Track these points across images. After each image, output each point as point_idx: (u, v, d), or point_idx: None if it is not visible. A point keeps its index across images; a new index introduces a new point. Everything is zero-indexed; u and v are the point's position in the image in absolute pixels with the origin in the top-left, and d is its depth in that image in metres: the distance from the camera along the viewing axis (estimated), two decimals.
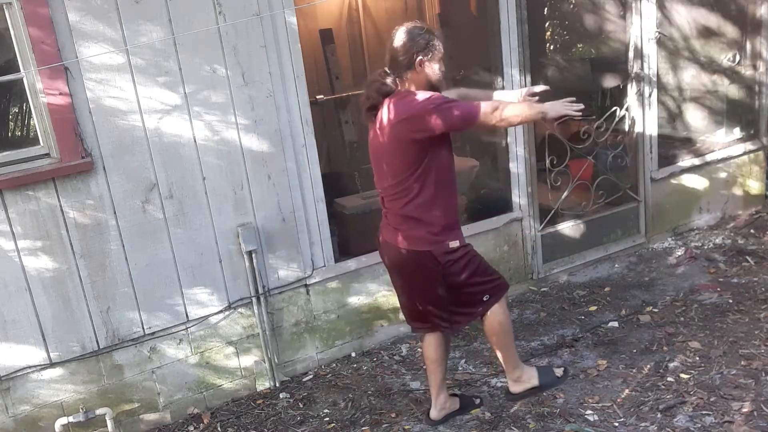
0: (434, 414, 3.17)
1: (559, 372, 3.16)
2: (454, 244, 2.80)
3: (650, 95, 4.65)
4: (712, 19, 5.00)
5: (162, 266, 3.38)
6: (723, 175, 5.13)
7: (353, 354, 3.98)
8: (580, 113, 2.78)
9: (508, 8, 4.06)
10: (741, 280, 4.23)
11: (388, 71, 2.73)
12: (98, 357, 3.34)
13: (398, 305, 3.92)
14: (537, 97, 2.95)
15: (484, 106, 2.65)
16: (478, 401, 3.29)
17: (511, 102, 2.90)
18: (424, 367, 3.22)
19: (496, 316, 2.92)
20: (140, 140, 3.21)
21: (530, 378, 3.07)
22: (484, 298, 2.89)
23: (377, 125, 2.76)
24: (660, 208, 4.91)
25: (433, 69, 2.71)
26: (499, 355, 3.08)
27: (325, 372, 3.84)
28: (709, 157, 5.03)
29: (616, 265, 4.69)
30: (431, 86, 2.73)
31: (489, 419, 3.19)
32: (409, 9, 5.98)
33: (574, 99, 2.81)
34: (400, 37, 2.71)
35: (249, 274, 3.54)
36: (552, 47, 7.43)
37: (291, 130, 3.55)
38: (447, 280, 2.83)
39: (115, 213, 3.23)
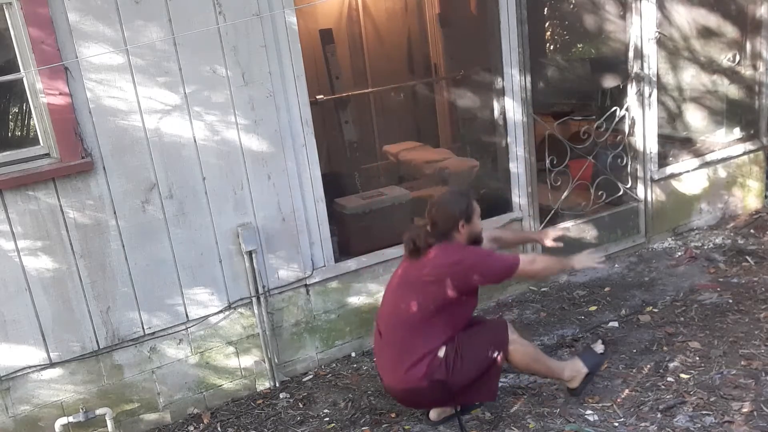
0: (434, 415, 3.20)
1: (599, 348, 3.31)
2: (442, 352, 2.91)
3: (650, 95, 4.65)
4: (712, 19, 5.00)
5: (162, 266, 3.38)
6: (723, 175, 5.13)
7: (353, 354, 3.98)
8: (603, 264, 3.18)
9: (508, 8, 4.06)
10: (741, 280, 4.23)
11: (431, 233, 2.95)
12: (98, 357, 3.34)
13: None
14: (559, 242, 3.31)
15: (523, 260, 2.95)
16: (477, 402, 3.29)
17: (543, 256, 3.30)
18: None
19: (516, 355, 3.03)
20: (140, 140, 3.21)
21: (579, 370, 3.17)
22: (495, 355, 2.99)
23: (421, 264, 2.92)
24: (660, 208, 4.91)
25: (473, 228, 2.99)
26: (545, 376, 3.21)
27: (325, 372, 3.84)
28: (709, 157, 5.04)
29: (616, 265, 4.69)
30: (471, 241, 3.01)
31: (489, 419, 3.19)
32: (409, 9, 5.98)
33: (594, 250, 3.20)
34: (441, 204, 2.97)
35: (249, 274, 3.54)
36: (552, 47, 7.44)
37: (291, 130, 3.55)
38: (454, 381, 2.92)
39: (115, 213, 3.23)
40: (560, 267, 3.23)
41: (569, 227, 3.39)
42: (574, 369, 3.16)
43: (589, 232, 4.70)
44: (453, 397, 2.99)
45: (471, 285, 2.92)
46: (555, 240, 3.32)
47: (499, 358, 2.99)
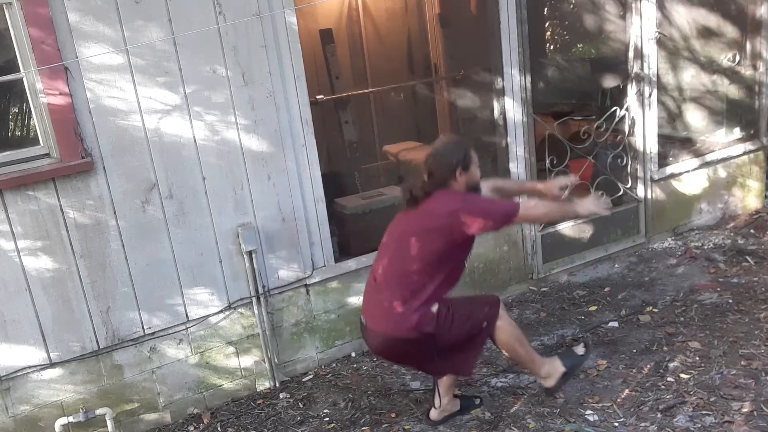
0: (434, 415, 3.20)
1: (579, 350, 3.24)
2: (435, 308, 2.89)
3: (650, 95, 4.65)
4: (712, 19, 5.00)
5: (162, 266, 3.38)
6: (723, 175, 5.13)
7: (353, 354, 3.98)
8: (610, 210, 3.01)
9: (508, 8, 4.06)
10: (741, 280, 4.23)
11: (428, 182, 2.91)
12: (98, 357, 3.34)
13: None
14: (566, 190, 3.17)
15: (523, 205, 2.89)
16: (478, 401, 3.30)
17: (545, 201, 3.13)
18: None
19: (502, 332, 2.99)
20: (140, 140, 3.21)
21: (557, 368, 3.13)
22: (483, 326, 2.97)
23: (418, 213, 2.90)
24: (660, 208, 4.91)
25: (471, 177, 2.93)
26: (522, 364, 3.17)
27: (325, 372, 3.84)
28: (709, 157, 5.03)
29: (616, 265, 4.69)
30: (469, 188, 2.95)
31: (489, 419, 3.19)
32: (409, 9, 5.98)
33: (602, 193, 2.97)
34: (438, 153, 2.93)
35: (249, 274, 3.54)
36: (552, 47, 7.44)
37: (291, 130, 3.55)
38: (445, 340, 2.90)
39: (115, 213, 3.23)
40: (563, 212, 3.11)
41: (576, 178, 3.21)
42: (552, 367, 3.13)
43: (589, 232, 4.70)
44: (434, 357, 2.94)
45: (470, 231, 2.84)
46: (561, 189, 3.21)
47: (486, 328, 2.96)
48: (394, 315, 2.88)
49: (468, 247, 2.98)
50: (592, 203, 3.00)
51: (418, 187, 2.90)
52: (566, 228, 4.61)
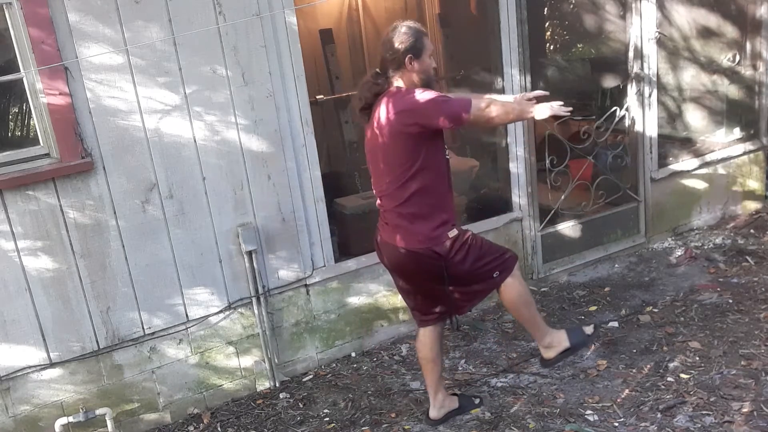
0: (434, 413, 3.19)
1: (589, 329, 3.17)
2: (453, 233, 2.82)
3: (650, 95, 4.65)
4: (712, 19, 5.00)
5: (162, 266, 3.38)
6: (723, 175, 5.13)
7: (353, 354, 3.98)
8: (569, 114, 2.81)
9: (508, 8, 4.06)
10: (741, 280, 4.23)
11: (380, 72, 2.80)
12: (98, 357, 3.34)
13: (398, 305, 3.93)
14: (534, 101, 2.94)
15: (476, 102, 2.70)
16: (477, 401, 3.29)
17: (502, 100, 2.94)
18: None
19: (511, 288, 2.93)
20: (140, 140, 3.21)
21: (561, 341, 3.06)
22: (494, 275, 2.90)
23: (374, 124, 2.80)
24: (660, 208, 4.91)
25: (423, 66, 2.77)
26: (525, 326, 3.08)
27: (325, 372, 3.84)
28: (709, 157, 5.03)
29: (616, 265, 4.69)
30: (424, 83, 2.79)
31: (489, 419, 3.19)
32: (409, 9, 5.98)
33: (562, 103, 2.82)
34: (388, 39, 2.77)
35: (249, 274, 3.54)
36: (552, 47, 7.44)
37: (291, 130, 3.55)
38: (452, 270, 2.84)
39: (115, 213, 3.23)
40: (517, 114, 2.81)
41: (546, 91, 2.98)
42: (557, 338, 3.05)
43: (589, 232, 4.70)
44: (440, 288, 2.88)
45: (427, 128, 2.69)
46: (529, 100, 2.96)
47: (496, 278, 2.90)
48: (400, 229, 2.81)
49: (437, 142, 2.79)
50: (548, 107, 2.77)
51: (368, 88, 2.78)
52: (566, 228, 4.61)
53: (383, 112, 2.74)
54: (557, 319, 4.07)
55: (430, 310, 3.06)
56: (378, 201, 2.95)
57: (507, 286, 2.93)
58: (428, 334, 3.08)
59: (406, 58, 2.73)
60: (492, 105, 2.72)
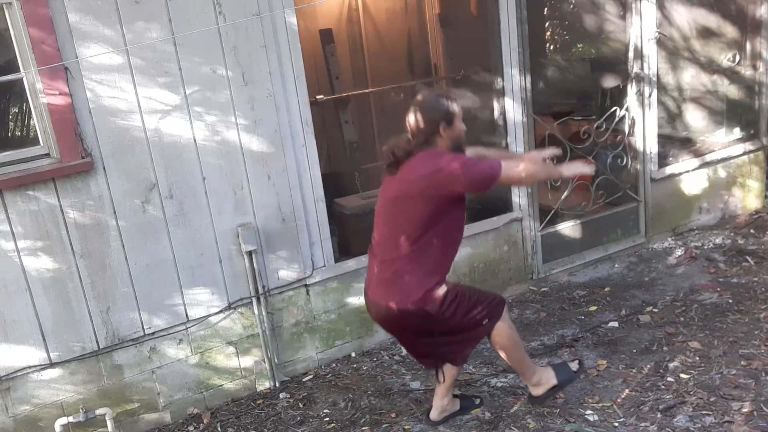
0: (434, 415, 3.19)
1: (574, 366, 3.20)
2: (442, 290, 2.82)
3: (650, 95, 4.65)
4: (712, 19, 5.00)
5: (162, 266, 3.38)
6: (723, 175, 5.13)
7: (353, 354, 3.98)
8: (594, 173, 2.96)
9: (508, 8, 4.06)
10: (741, 280, 4.23)
11: (412, 140, 2.81)
12: (98, 357, 3.34)
13: None
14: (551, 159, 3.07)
15: (506, 165, 2.73)
16: (478, 401, 3.30)
17: (528, 162, 2.96)
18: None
19: (501, 332, 2.96)
20: (140, 140, 3.21)
21: (549, 379, 3.10)
22: (484, 323, 2.93)
23: (400, 177, 2.80)
24: (660, 208, 4.91)
25: (455, 132, 2.81)
26: (514, 366, 3.13)
27: (325, 372, 3.84)
28: (709, 157, 5.04)
29: (616, 265, 4.69)
30: (455, 146, 2.84)
31: (489, 419, 3.19)
32: (409, 9, 5.97)
33: (587, 160, 2.89)
34: (420, 108, 2.79)
35: (249, 274, 3.54)
36: (552, 47, 7.44)
37: (291, 130, 3.55)
38: (442, 326, 2.86)
39: (115, 213, 3.23)
40: (546, 173, 2.94)
41: (558, 150, 3.09)
42: (545, 377, 3.09)
43: (589, 232, 4.70)
44: (430, 340, 2.90)
45: (454, 191, 2.71)
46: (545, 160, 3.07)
47: (487, 325, 2.92)
48: (392, 286, 2.81)
49: (459, 208, 2.84)
50: (576, 165, 2.91)
51: (400, 148, 2.80)
52: (566, 228, 4.61)
53: (413, 170, 2.75)
54: (557, 319, 4.07)
55: (422, 360, 3.12)
56: (373, 252, 2.94)
57: (497, 330, 2.94)
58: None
59: (440, 127, 2.76)
60: (520, 168, 2.76)
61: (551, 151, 3.06)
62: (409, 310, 2.79)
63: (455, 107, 2.81)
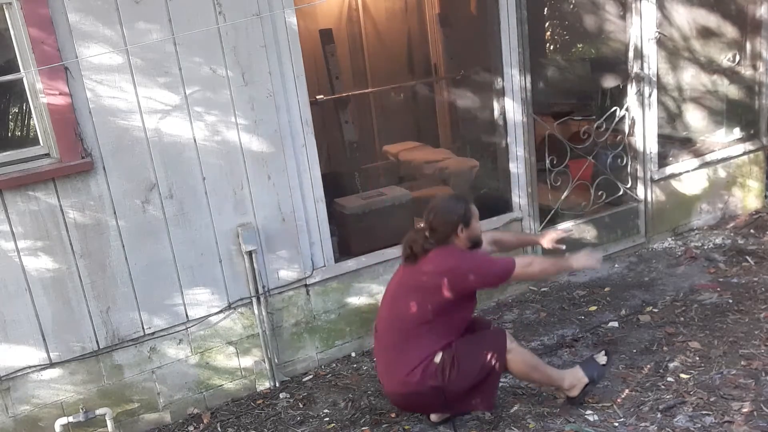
0: (435, 417, 3.20)
1: (602, 359, 3.28)
2: (438, 359, 2.89)
3: (650, 95, 4.65)
4: (712, 19, 5.00)
5: (162, 266, 3.38)
6: (723, 175, 5.13)
7: (353, 354, 3.98)
8: (600, 263, 3.12)
9: (508, 8, 4.06)
10: (741, 280, 4.23)
11: (429, 238, 2.92)
12: (98, 357, 3.34)
13: None
14: (563, 246, 3.28)
15: (519, 263, 2.90)
16: (474, 410, 3.26)
17: (540, 258, 3.22)
18: None
19: (515, 361, 2.99)
20: (140, 140, 3.21)
21: (580, 379, 3.13)
22: (493, 363, 2.95)
23: (418, 269, 2.91)
24: (660, 208, 4.91)
25: (473, 232, 2.96)
26: (543, 385, 3.20)
27: (325, 372, 3.84)
28: (709, 158, 5.04)
29: (616, 265, 4.69)
30: (472, 244, 2.98)
31: (489, 419, 3.18)
32: (409, 9, 5.98)
33: (592, 250, 3.13)
34: (439, 211, 2.93)
35: (249, 274, 3.54)
36: (552, 47, 7.44)
37: (291, 130, 3.55)
38: (451, 388, 2.90)
39: (115, 213, 3.23)
40: (557, 268, 3.21)
41: (571, 228, 3.32)
42: (575, 378, 3.12)
43: (589, 232, 4.70)
44: (449, 405, 2.98)
45: (468, 289, 2.91)
46: (556, 243, 3.31)
47: (497, 366, 2.95)
48: (398, 372, 2.91)
49: (469, 305, 3.00)
50: (584, 258, 3.05)
51: (419, 244, 2.91)
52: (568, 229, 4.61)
53: (434, 263, 2.87)
54: (557, 319, 4.07)
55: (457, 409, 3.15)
56: (378, 333, 3.04)
57: (510, 362, 2.99)
58: None
59: (458, 228, 2.90)
60: (533, 266, 2.95)
61: (561, 233, 3.34)
62: (417, 392, 2.90)
63: (473, 209, 2.96)
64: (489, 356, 2.94)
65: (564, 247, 3.32)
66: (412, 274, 2.94)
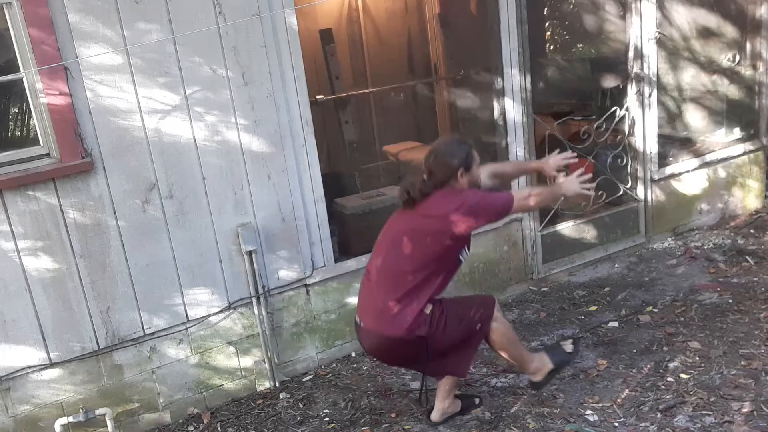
0: (436, 417, 3.19)
1: (568, 347, 3.25)
2: (428, 309, 2.87)
3: (650, 95, 4.65)
4: (712, 19, 5.00)
5: (162, 266, 3.38)
6: (723, 175, 5.13)
7: (353, 354, 3.98)
8: (593, 192, 3.11)
9: (508, 8, 4.06)
10: (741, 280, 4.23)
11: (427, 181, 2.88)
12: (98, 357, 3.34)
13: None
14: (563, 171, 3.19)
15: (517, 198, 2.91)
16: (477, 401, 3.30)
17: (535, 189, 3.13)
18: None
19: (496, 333, 3.00)
20: (140, 140, 3.21)
21: (545, 364, 3.15)
22: (478, 327, 2.96)
23: (417, 213, 2.88)
24: (660, 208, 4.91)
25: (473, 177, 2.93)
26: (514, 362, 3.16)
27: (325, 372, 3.84)
28: (709, 157, 5.04)
29: (616, 265, 4.69)
30: (470, 186, 2.93)
31: (489, 419, 3.19)
32: (409, 9, 5.97)
33: (583, 171, 3.03)
34: (439, 154, 2.90)
35: (249, 274, 3.54)
36: (552, 47, 7.44)
37: (291, 130, 3.55)
38: (437, 345, 2.89)
39: (115, 213, 3.23)
40: (552, 196, 3.12)
41: (573, 154, 3.22)
42: (541, 362, 3.15)
43: (589, 232, 4.71)
44: (427, 359, 2.94)
45: (470, 227, 2.85)
46: (558, 170, 3.21)
47: (480, 330, 2.95)
48: (388, 316, 2.86)
49: (463, 245, 2.94)
50: (576, 184, 3.00)
51: (417, 188, 2.88)
52: (566, 228, 4.61)
53: (437, 207, 2.84)
54: (557, 319, 4.07)
55: (432, 372, 3.14)
56: (370, 280, 2.98)
57: (493, 331, 2.99)
58: None
59: (458, 172, 2.86)
60: (530, 199, 2.94)
61: (563, 159, 3.20)
62: (402, 338, 2.85)
63: (474, 154, 2.91)
64: (476, 318, 2.95)
65: (565, 174, 3.18)
66: (411, 219, 2.90)
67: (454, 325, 2.90)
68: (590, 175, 3.05)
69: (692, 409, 3.04)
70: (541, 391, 3.23)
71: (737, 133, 5.22)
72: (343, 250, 4.01)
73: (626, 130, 4.72)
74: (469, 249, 3.00)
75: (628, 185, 4.81)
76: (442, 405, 3.18)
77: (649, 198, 4.84)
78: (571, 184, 3.01)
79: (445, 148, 2.93)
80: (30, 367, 3.21)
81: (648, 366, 3.44)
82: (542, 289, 4.48)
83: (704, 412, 3.01)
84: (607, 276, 4.58)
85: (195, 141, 3.32)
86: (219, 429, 3.45)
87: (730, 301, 3.98)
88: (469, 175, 2.90)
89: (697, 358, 3.44)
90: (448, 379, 3.13)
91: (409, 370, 3.21)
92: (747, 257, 4.51)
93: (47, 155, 3.12)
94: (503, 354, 3.10)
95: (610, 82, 4.95)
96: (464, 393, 3.38)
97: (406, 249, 2.86)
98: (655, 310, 4.01)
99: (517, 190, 3.01)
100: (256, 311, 3.62)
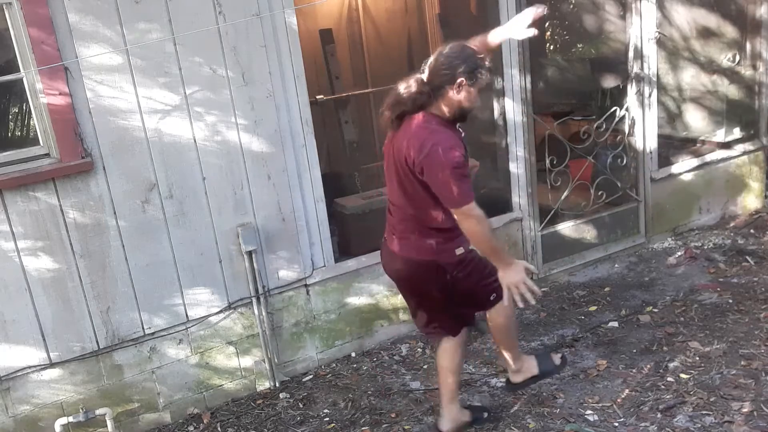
0: (446, 426, 3.06)
1: (557, 359, 3.17)
2: (460, 251, 2.74)
3: (650, 95, 4.65)
4: (712, 19, 5.00)
5: (162, 266, 3.38)
6: (723, 175, 5.13)
7: (353, 354, 3.98)
8: (535, 297, 2.66)
9: (508, 8, 4.06)
10: (741, 280, 4.23)
11: (426, 82, 2.54)
12: (98, 357, 3.34)
13: (398, 305, 3.94)
14: (534, 30, 2.70)
15: (474, 209, 2.51)
16: (486, 414, 3.20)
17: (493, 235, 2.70)
18: (436, 374, 3.14)
19: (501, 311, 2.91)
20: (140, 140, 3.21)
21: (530, 368, 3.08)
22: (491, 298, 2.87)
23: (399, 137, 2.63)
24: (660, 208, 4.91)
25: (470, 96, 2.53)
26: (505, 349, 3.07)
27: (325, 372, 3.84)
28: (708, 157, 5.04)
29: (616, 265, 4.70)
30: (461, 111, 2.58)
31: (489, 418, 3.18)
32: (409, 9, 5.98)
33: (531, 267, 2.68)
34: (450, 52, 2.51)
35: (249, 274, 3.54)
36: (552, 47, 7.44)
37: (291, 130, 3.55)
38: (456, 287, 2.79)
39: (115, 213, 3.23)
40: (495, 253, 2.62)
41: (543, 7, 2.54)
42: (528, 365, 3.07)
43: (589, 232, 4.71)
44: (441, 296, 2.79)
45: (426, 186, 2.56)
46: (527, 27, 2.68)
47: (491, 300, 2.85)
48: (414, 242, 2.72)
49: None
50: (518, 275, 2.59)
51: (413, 99, 2.53)
52: (566, 228, 4.61)
53: (412, 145, 2.53)
54: (557, 319, 4.07)
55: (425, 324, 2.99)
56: (391, 212, 2.85)
57: (498, 308, 2.88)
58: (449, 342, 2.99)
59: (458, 81, 2.48)
60: (481, 225, 2.54)
61: (534, 12, 2.65)
62: (424, 261, 2.70)
63: (485, 75, 2.52)
64: (495, 287, 2.73)
65: (536, 32, 2.68)
66: (396, 148, 2.62)
67: (477, 279, 2.79)
68: (537, 270, 2.80)
69: (692, 409, 3.04)
70: (516, 393, 3.16)
71: (737, 133, 5.22)
72: (343, 250, 4.01)
73: (626, 130, 4.73)
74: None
75: (628, 185, 4.81)
76: (449, 411, 3.05)
77: (649, 198, 4.84)
78: (516, 274, 2.60)
79: (455, 47, 2.51)
80: (30, 367, 3.21)
81: (648, 366, 3.44)
82: (542, 289, 4.48)
83: (704, 412, 3.01)
84: (607, 276, 4.59)
85: (195, 141, 3.32)
86: (219, 429, 3.45)
87: (730, 301, 3.98)
88: (467, 92, 2.49)
89: (697, 358, 3.44)
90: (447, 382, 3.04)
91: (417, 311, 2.98)
92: (747, 257, 4.51)
93: (47, 155, 3.12)
94: (499, 337, 3.01)
95: (610, 82, 4.96)
96: (472, 404, 3.31)
97: (402, 187, 2.67)
98: (655, 310, 4.01)
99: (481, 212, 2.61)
100: (256, 311, 3.62)
